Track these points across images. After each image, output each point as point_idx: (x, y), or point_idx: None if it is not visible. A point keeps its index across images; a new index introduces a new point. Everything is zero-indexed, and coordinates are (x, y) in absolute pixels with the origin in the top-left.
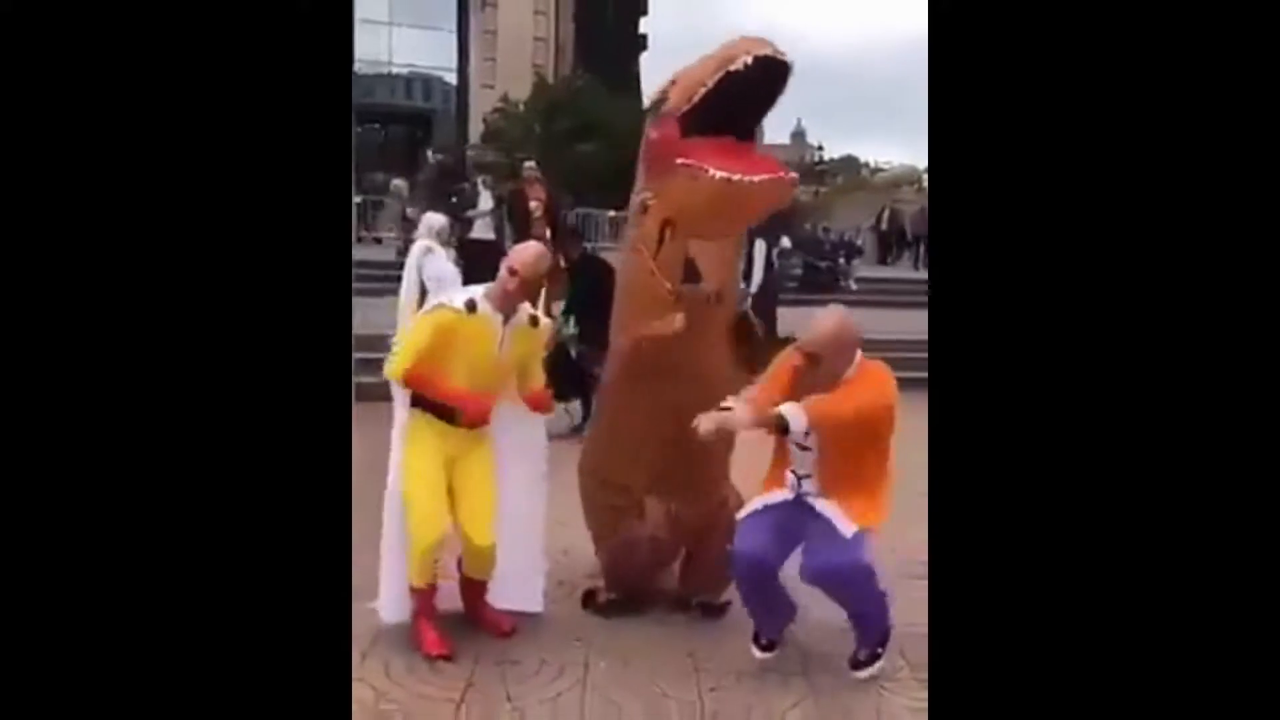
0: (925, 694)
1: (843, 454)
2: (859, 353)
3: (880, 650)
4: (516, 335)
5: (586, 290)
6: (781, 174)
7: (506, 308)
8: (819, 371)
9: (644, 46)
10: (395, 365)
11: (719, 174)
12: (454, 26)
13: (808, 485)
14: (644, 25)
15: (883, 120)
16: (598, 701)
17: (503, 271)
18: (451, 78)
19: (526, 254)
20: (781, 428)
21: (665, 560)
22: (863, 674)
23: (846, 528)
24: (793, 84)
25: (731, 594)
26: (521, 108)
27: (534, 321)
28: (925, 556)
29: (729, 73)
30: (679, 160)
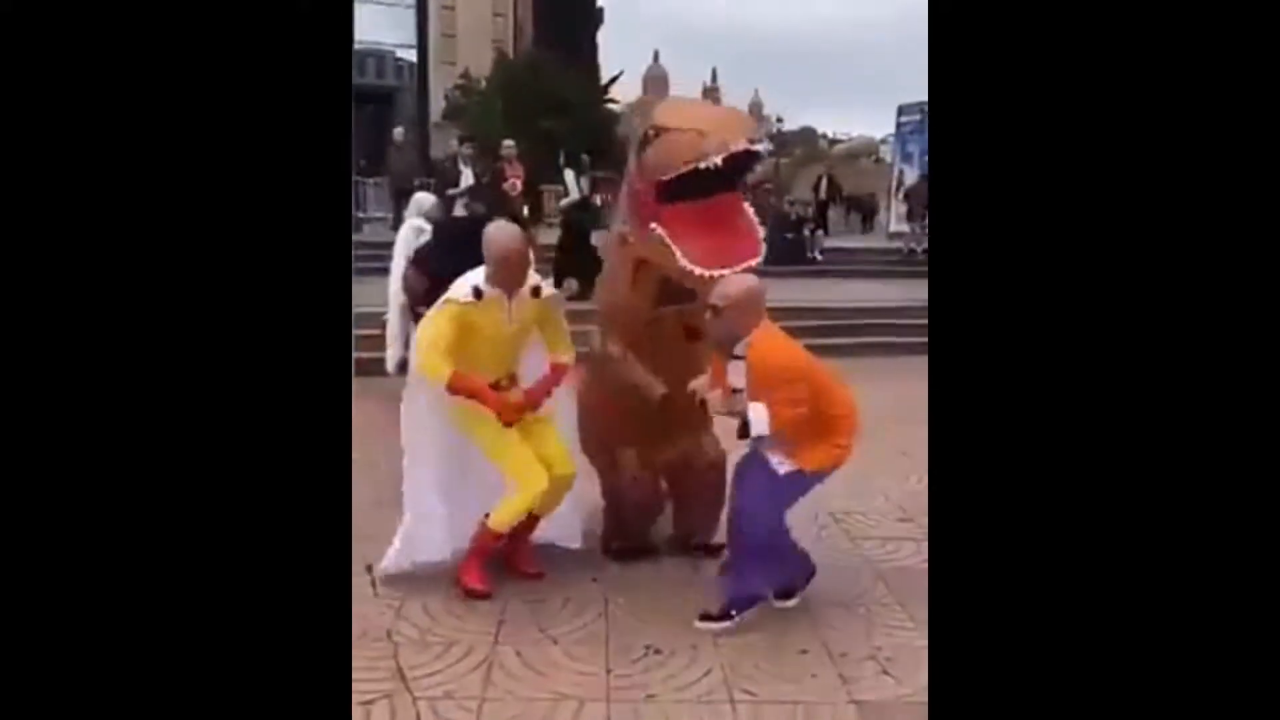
0: (905, 616)
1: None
2: (763, 321)
3: (734, 612)
4: (521, 306)
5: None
6: (739, 267)
7: (506, 285)
8: (718, 324)
9: (601, 21)
10: (433, 371)
11: (684, 263)
12: (413, 2)
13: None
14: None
15: (843, 91)
16: (619, 628)
17: (486, 256)
18: (411, 54)
19: (502, 236)
20: (744, 426)
21: (650, 498)
22: (705, 625)
23: (780, 466)
24: (753, 57)
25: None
26: (482, 84)
27: (535, 291)
28: (907, 504)
29: (697, 169)
30: (653, 226)
